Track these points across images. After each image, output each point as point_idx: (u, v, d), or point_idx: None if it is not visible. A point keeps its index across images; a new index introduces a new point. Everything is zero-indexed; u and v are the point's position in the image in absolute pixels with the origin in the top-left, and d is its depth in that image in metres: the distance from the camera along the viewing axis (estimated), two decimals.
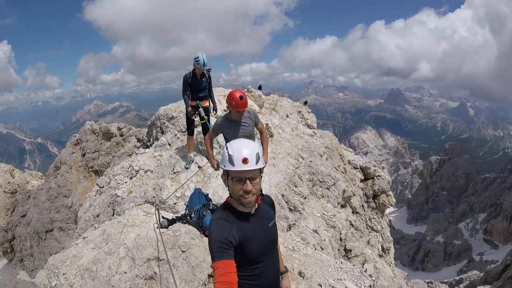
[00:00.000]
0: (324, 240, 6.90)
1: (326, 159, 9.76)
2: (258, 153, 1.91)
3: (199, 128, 7.36)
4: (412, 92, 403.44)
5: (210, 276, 4.21)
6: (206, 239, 4.59)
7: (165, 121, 9.05)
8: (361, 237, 8.87)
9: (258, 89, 12.94)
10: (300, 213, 7.07)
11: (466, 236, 77.79)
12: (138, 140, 17.19)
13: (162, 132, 9.09)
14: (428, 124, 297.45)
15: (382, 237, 10.58)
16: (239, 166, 1.86)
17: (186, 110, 6.66)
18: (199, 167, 7.10)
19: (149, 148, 9.12)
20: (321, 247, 6.69)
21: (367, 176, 11.43)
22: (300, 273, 5.07)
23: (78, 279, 4.14)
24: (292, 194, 7.28)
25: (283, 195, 7.04)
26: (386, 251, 10.74)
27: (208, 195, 5.26)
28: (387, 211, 12.45)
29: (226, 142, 4.79)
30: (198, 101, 6.65)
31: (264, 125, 9.32)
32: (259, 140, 5.46)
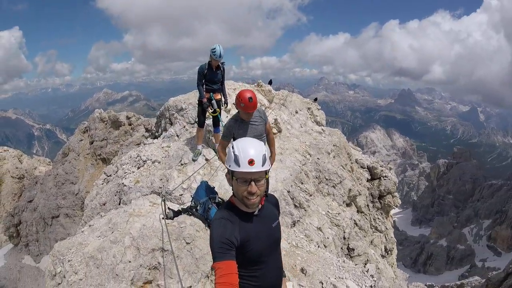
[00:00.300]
0: (328, 238, 6.90)
1: (334, 157, 9.71)
2: (265, 154, 1.85)
3: (208, 121, 7.34)
4: (423, 93, 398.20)
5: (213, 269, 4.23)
6: None
7: (174, 112, 9.06)
8: (364, 236, 8.83)
9: (269, 83, 12.77)
10: (305, 210, 7.07)
11: (469, 242, 77.19)
12: (147, 130, 17.26)
13: (171, 123, 9.11)
14: (437, 126, 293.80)
15: (385, 237, 10.53)
16: (244, 167, 1.80)
17: (201, 101, 6.62)
18: (206, 159, 7.12)
19: (157, 138, 9.16)
20: (324, 245, 6.69)
21: (373, 176, 11.35)
22: (302, 270, 5.07)
23: (83, 266, 4.19)
24: (298, 190, 7.26)
25: (288, 191, 7.03)
26: (389, 252, 10.69)
27: (215, 188, 5.26)
28: (392, 212, 12.37)
29: None
30: (211, 93, 6.61)
31: (273, 121, 9.31)
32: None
